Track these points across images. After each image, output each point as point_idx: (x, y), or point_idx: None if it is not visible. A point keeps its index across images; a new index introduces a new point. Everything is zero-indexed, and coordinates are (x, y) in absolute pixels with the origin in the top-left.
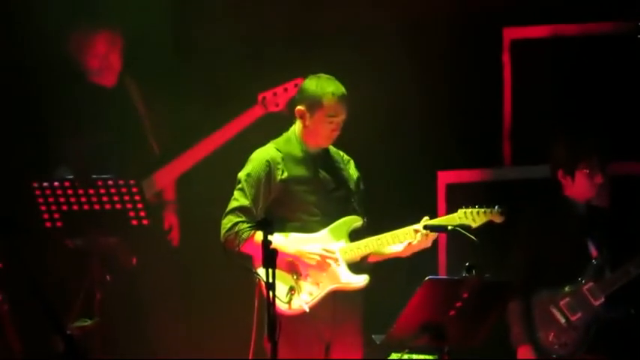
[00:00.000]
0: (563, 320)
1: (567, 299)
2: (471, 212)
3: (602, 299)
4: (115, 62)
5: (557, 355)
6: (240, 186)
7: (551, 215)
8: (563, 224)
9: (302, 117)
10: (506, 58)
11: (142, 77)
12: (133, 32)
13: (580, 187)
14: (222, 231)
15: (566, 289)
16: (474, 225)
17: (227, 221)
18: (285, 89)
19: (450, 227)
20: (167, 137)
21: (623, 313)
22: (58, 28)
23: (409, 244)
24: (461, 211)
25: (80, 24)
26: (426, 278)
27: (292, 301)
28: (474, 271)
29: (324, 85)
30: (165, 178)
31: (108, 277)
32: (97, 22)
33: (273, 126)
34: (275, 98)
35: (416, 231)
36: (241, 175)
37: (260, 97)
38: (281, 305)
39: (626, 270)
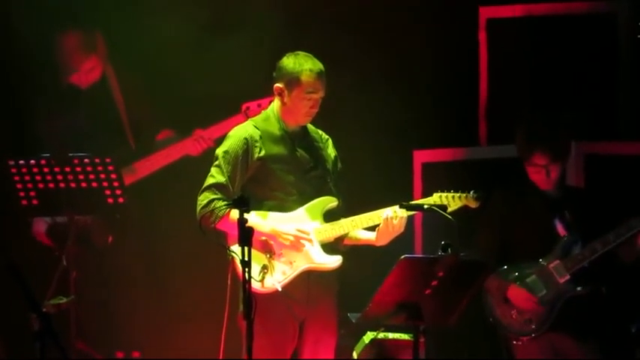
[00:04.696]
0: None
1: (532, 277)
2: (447, 196)
3: (567, 277)
4: (95, 77)
5: (520, 333)
6: (217, 163)
7: (519, 195)
8: (530, 204)
9: (280, 94)
10: (482, 36)
11: (124, 72)
12: (117, 30)
13: (534, 178)
14: (198, 208)
15: (532, 266)
16: (449, 209)
17: (203, 198)
18: (271, 102)
19: (426, 206)
20: (145, 134)
21: (588, 290)
22: (41, 13)
23: (381, 230)
24: (436, 195)
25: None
26: (402, 257)
27: (265, 280)
28: (449, 250)
29: (301, 62)
30: (146, 169)
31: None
32: (85, 44)
33: None
34: (259, 110)
35: (390, 218)
36: (219, 151)
37: (244, 107)
38: (254, 284)
39: (593, 247)
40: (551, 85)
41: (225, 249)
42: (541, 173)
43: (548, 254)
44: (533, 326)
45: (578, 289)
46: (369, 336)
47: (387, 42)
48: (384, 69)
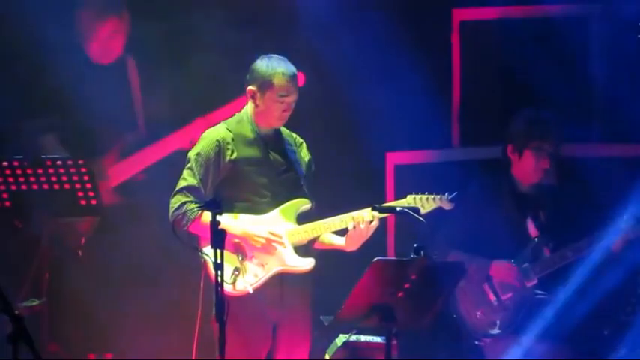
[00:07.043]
0: (494, 298)
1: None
2: (420, 198)
3: (535, 280)
4: (116, 48)
5: (483, 334)
6: (189, 165)
7: (495, 190)
8: (503, 201)
9: (253, 97)
10: (455, 39)
11: (143, 60)
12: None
13: (526, 167)
14: (171, 211)
15: None
16: (422, 211)
17: (175, 201)
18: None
19: (398, 209)
20: (158, 121)
21: (554, 295)
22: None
23: (351, 235)
24: (410, 197)
25: (88, 4)
26: (375, 259)
27: (236, 282)
28: (422, 253)
29: (274, 65)
30: (123, 175)
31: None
32: (106, 6)
33: None
34: None
35: (359, 222)
36: (191, 154)
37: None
38: (225, 286)
39: (564, 254)
40: (524, 87)
41: (198, 251)
42: (543, 161)
43: (518, 256)
44: (497, 329)
45: (544, 294)
46: (341, 338)
47: (360, 44)
48: (357, 71)
